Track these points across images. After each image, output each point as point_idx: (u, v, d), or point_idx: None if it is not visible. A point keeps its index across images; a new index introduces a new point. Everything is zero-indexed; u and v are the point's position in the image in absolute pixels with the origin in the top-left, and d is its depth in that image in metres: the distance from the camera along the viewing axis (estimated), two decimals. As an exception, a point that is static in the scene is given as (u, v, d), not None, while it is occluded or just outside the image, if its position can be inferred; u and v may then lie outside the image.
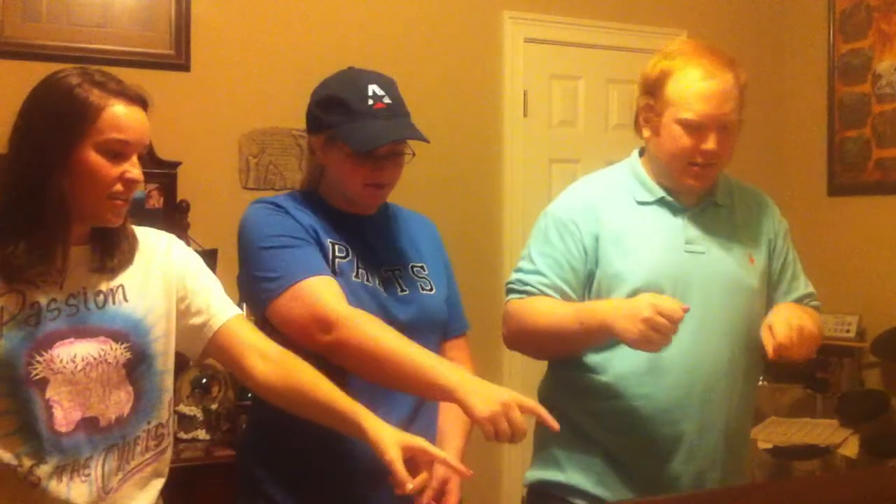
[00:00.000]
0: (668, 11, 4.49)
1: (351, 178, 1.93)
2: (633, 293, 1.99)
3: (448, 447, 1.93)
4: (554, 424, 1.69)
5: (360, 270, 1.92)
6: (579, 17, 4.29)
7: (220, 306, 1.77)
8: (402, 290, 1.97)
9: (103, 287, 1.65)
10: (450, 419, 2.00)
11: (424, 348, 1.77)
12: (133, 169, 1.60)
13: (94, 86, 1.57)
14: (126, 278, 1.68)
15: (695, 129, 2.00)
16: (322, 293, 1.80)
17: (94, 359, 1.61)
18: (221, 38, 3.64)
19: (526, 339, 2.11)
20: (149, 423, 1.69)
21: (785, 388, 4.00)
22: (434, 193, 4.11)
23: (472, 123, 4.11)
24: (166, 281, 1.73)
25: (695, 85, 2.00)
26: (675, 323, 1.80)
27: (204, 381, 3.25)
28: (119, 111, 1.58)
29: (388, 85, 1.94)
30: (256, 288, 1.86)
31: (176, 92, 3.49)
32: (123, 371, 1.65)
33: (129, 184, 1.61)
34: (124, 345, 1.64)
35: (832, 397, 4.06)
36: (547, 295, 2.06)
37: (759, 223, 2.17)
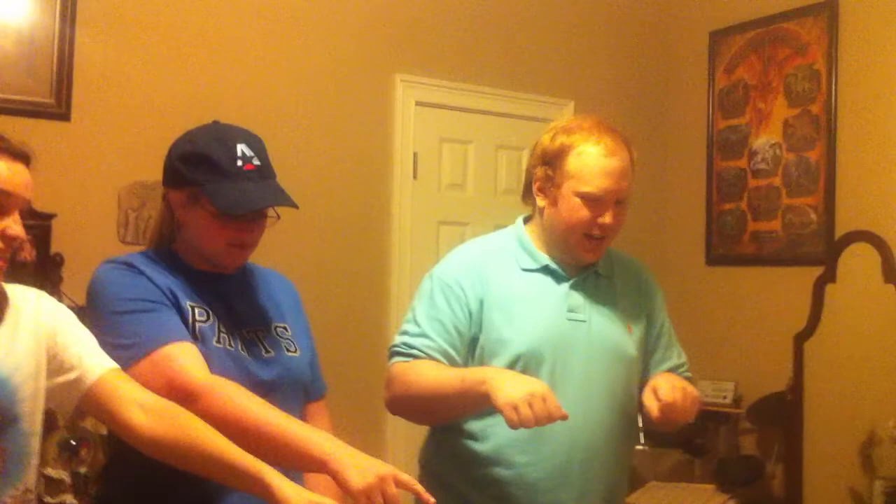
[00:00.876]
0: (557, 82, 4.60)
1: (213, 238, 1.87)
2: (516, 359, 2.02)
3: None
4: (429, 500, 1.65)
5: (221, 334, 1.85)
6: (470, 84, 4.36)
7: (92, 361, 1.69)
8: (267, 352, 1.90)
9: None
10: (319, 492, 1.93)
11: (292, 417, 1.70)
12: (14, 225, 1.57)
13: None
14: None
15: (594, 202, 2.05)
16: (182, 361, 1.72)
17: None
18: (104, 88, 3.54)
19: (409, 402, 2.08)
20: (15, 488, 1.60)
21: (664, 452, 4.06)
22: (322, 252, 4.08)
23: (362, 183, 4.10)
24: (35, 339, 1.65)
25: (596, 161, 2.05)
26: (549, 415, 1.79)
27: (73, 442, 3.10)
28: (0, 167, 1.55)
29: (256, 145, 1.89)
30: (111, 355, 1.74)
31: (55, 141, 3.37)
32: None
33: (10, 241, 1.57)
34: None
35: (710, 462, 4.13)
36: (429, 356, 2.05)
37: (637, 293, 2.22)
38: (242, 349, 1.87)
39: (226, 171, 1.82)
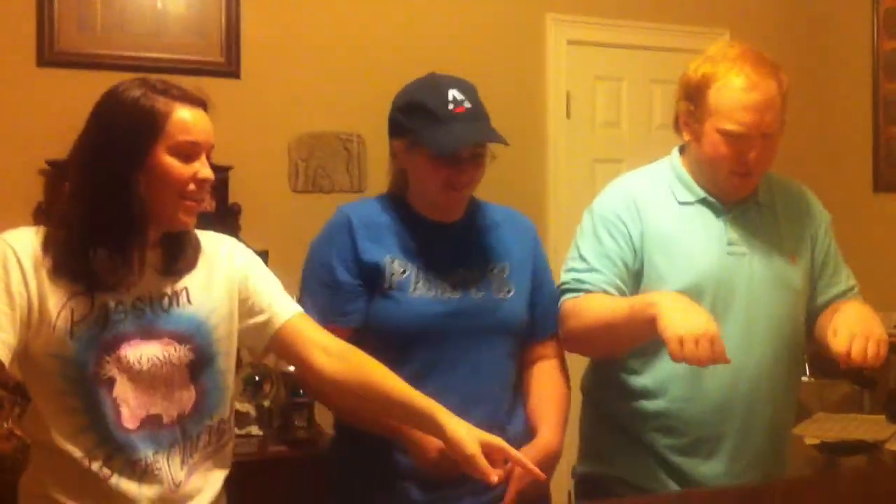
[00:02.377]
0: (711, 11, 4.49)
1: (431, 181, 1.97)
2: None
3: (537, 440, 1.97)
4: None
5: (420, 283, 1.96)
6: (622, 19, 4.31)
7: (281, 305, 1.82)
8: (477, 293, 2.00)
9: (168, 290, 1.70)
10: (543, 404, 2.03)
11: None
12: (203, 168, 1.67)
13: (157, 94, 1.64)
14: (190, 281, 1.73)
15: (736, 139, 1.97)
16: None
17: (160, 360, 1.67)
18: (270, 45, 3.72)
19: (582, 335, 2.05)
20: (211, 419, 1.74)
21: (831, 384, 3.98)
22: (478, 195, 4.16)
23: (516, 125, 4.12)
24: (229, 283, 1.77)
25: (737, 96, 1.96)
26: (713, 359, 1.75)
27: (256, 378, 3.32)
28: (184, 115, 1.65)
29: (467, 90, 1.98)
30: None
31: (226, 99, 3.49)
32: (187, 371, 1.70)
33: (201, 183, 1.67)
34: (188, 346, 1.69)
35: (880, 393, 4.03)
36: (601, 289, 2.02)
37: (800, 219, 2.14)
38: (446, 293, 1.97)
39: (438, 114, 1.93)
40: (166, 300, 1.70)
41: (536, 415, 2.03)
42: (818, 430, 3.63)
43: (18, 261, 1.59)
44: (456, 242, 2.03)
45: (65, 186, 1.70)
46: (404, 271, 1.97)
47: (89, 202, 1.63)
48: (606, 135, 4.36)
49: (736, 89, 1.96)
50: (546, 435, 1.98)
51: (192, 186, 1.65)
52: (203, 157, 1.68)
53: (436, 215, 2.03)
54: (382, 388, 1.75)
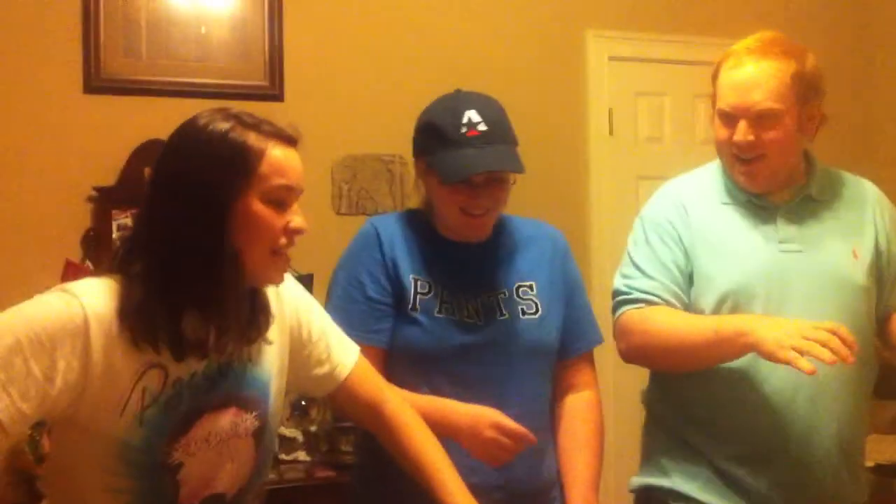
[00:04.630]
0: (754, 23, 4.39)
1: (446, 206, 1.91)
2: (724, 296, 1.94)
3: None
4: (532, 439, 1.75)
5: (444, 304, 1.90)
6: (663, 33, 4.29)
7: (341, 351, 1.68)
8: (502, 315, 1.93)
9: (235, 353, 1.48)
10: (575, 460, 1.97)
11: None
12: (297, 218, 1.44)
13: (248, 128, 1.41)
14: None
15: (728, 119, 1.94)
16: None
17: (227, 433, 1.47)
18: (313, 68, 3.76)
19: (650, 352, 2.00)
20: (262, 482, 1.61)
21: (883, 404, 3.90)
22: (521, 213, 4.14)
23: (559, 143, 4.13)
24: (281, 333, 1.58)
25: (729, 74, 1.94)
26: (838, 343, 1.67)
27: (303, 403, 3.33)
28: (279, 154, 1.42)
29: (488, 109, 1.89)
30: None
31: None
32: (252, 440, 1.51)
33: (293, 235, 1.44)
34: (254, 413, 1.51)
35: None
36: (661, 298, 1.97)
37: (862, 214, 2.05)
38: (471, 316, 1.90)
39: (450, 138, 1.86)
40: (234, 364, 1.48)
41: (568, 471, 1.96)
42: (872, 451, 3.56)
43: (87, 329, 1.33)
44: (480, 264, 1.97)
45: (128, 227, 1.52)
46: (428, 291, 1.91)
47: (167, 257, 1.38)
48: (649, 151, 4.33)
49: (729, 69, 1.95)
50: (578, 501, 1.91)
51: (283, 240, 1.43)
52: (296, 206, 1.45)
53: (459, 236, 1.97)
54: (420, 462, 1.66)
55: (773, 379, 1.90)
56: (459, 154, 1.85)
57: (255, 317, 1.50)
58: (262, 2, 3.68)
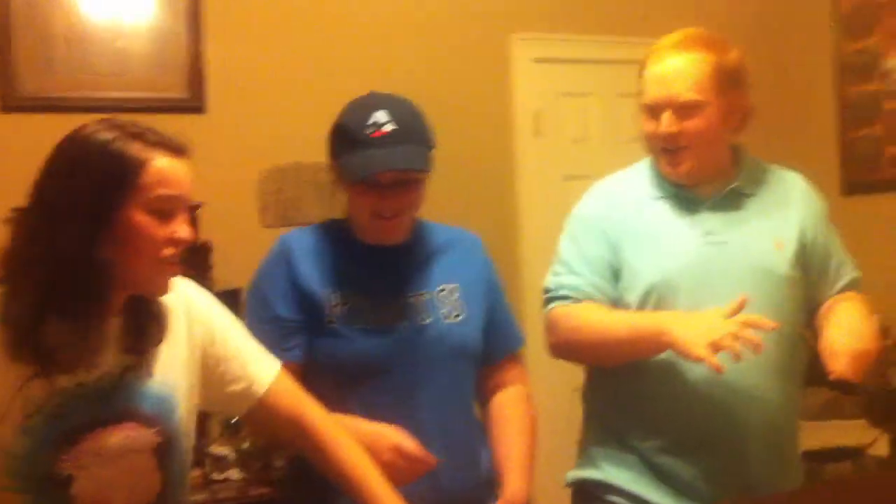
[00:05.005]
0: (674, 22, 4.47)
1: (358, 208, 1.91)
2: (650, 289, 1.98)
3: (505, 494, 1.92)
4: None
5: (363, 314, 1.88)
6: (586, 34, 4.32)
7: (256, 368, 1.65)
8: (424, 319, 1.92)
9: (130, 362, 1.48)
10: (507, 447, 1.97)
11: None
12: (183, 227, 1.45)
13: (131, 138, 1.41)
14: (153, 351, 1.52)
15: (652, 112, 1.99)
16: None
17: (122, 448, 1.45)
18: (235, 78, 3.70)
19: (576, 348, 2.04)
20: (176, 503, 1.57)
21: (811, 391, 3.98)
22: (447, 216, 4.12)
23: (485, 144, 4.16)
24: (191, 349, 1.57)
25: (651, 68, 2.00)
26: (753, 340, 1.73)
27: (234, 420, 3.27)
28: (163, 164, 1.42)
29: (398, 109, 1.88)
30: None
31: (193, 134, 3.48)
32: (153, 457, 1.49)
33: (180, 244, 1.45)
34: (154, 429, 1.49)
35: (860, 398, 4.03)
36: (586, 294, 2.01)
37: (788, 206, 2.08)
38: (392, 322, 1.89)
39: (357, 138, 1.85)
40: (129, 374, 1.47)
41: (502, 460, 1.96)
42: (802, 437, 3.63)
43: None
44: (400, 267, 1.96)
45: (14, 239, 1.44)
46: (346, 302, 1.89)
47: (44, 266, 1.38)
48: (576, 151, 4.36)
49: (652, 63, 2.00)
50: (512, 486, 1.92)
51: (168, 250, 1.43)
52: (183, 215, 1.45)
53: (375, 240, 1.95)
54: (350, 476, 1.65)
55: (697, 369, 1.91)
56: (364, 154, 1.84)
57: (143, 327, 1.49)
58: (180, 13, 3.62)
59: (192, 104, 3.63)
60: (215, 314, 1.65)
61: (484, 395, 2.05)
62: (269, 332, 1.85)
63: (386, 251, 1.96)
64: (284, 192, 3.75)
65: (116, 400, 1.45)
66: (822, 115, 4.62)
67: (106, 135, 1.41)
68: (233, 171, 3.66)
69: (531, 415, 2.05)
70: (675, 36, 2.04)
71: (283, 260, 1.92)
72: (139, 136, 1.43)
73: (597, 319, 1.98)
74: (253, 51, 3.75)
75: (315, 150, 3.86)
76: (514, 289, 4.07)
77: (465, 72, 4.12)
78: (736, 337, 1.73)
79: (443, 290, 1.96)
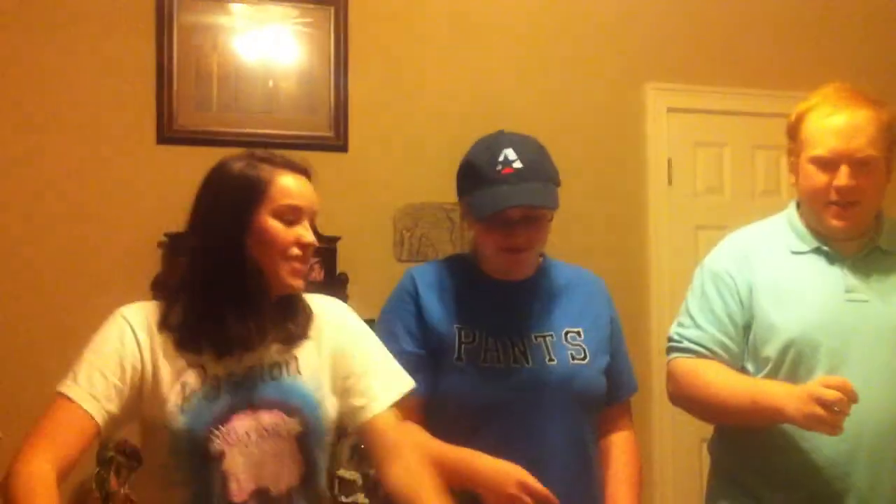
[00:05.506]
0: (811, 75, 4.40)
1: (485, 244, 1.93)
2: (788, 344, 1.96)
3: None
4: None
5: (489, 353, 1.89)
6: (721, 86, 4.30)
7: (378, 393, 1.77)
8: (551, 360, 1.92)
9: (279, 358, 1.71)
10: (619, 489, 1.98)
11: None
12: (306, 233, 1.69)
13: (260, 162, 1.70)
14: (300, 350, 1.73)
15: (826, 165, 1.97)
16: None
17: (268, 432, 1.66)
18: (376, 119, 3.84)
19: (694, 404, 2.07)
20: (317, 493, 1.74)
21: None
22: (580, 262, 4.15)
23: (617, 193, 4.16)
24: (334, 356, 1.77)
25: (824, 121, 1.99)
26: (846, 397, 1.74)
27: (362, 445, 3.34)
28: (287, 180, 1.69)
29: (525, 147, 1.90)
30: None
31: (335, 171, 3.69)
32: (296, 443, 1.68)
33: (304, 247, 1.69)
34: (296, 418, 1.68)
35: None
36: (707, 348, 2.03)
37: None
38: (518, 362, 1.90)
39: (485, 176, 1.88)
40: (277, 369, 1.70)
41: (611, 496, 1.97)
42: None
43: (134, 333, 1.63)
44: (525, 303, 1.96)
45: (180, 260, 1.75)
46: (472, 339, 1.90)
47: (205, 269, 1.67)
48: (708, 201, 4.32)
49: (823, 116, 1.99)
50: None
51: (295, 250, 1.68)
52: (305, 223, 1.70)
53: (502, 276, 1.97)
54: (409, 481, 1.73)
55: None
56: (493, 191, 1.86)
57: (288, 324, 1.73)
58: (328, 56, 3.78)
59: (336, 143, 3.77)
60: (353, 328, 1.84)
61: (597, 433, 2.05)
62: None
63: (511, 286, 1.97)
64: (419, 229, 3.85)
65: (265, 389, 1.68)
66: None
67: (241, 162, 1.70)
68: (371, 207, 3.79)
69: (639, 457, 2.06)
70: (839, 90, 2.03)
71: (409, 294, 1.95)
72: (266, 159, 1.71)
73: (719, 382, 1.99)
74: (392, 93, 3.89)
75: (447, 190, 3.98)
76: (642, 336, 4.08)
77: (600, 120, 4.15)
78: (818, 399, 1.75)
79: (569, 333, 1.97)
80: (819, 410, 1.74)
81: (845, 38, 4.50)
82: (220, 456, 1.62)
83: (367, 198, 3.79)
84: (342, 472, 3.26)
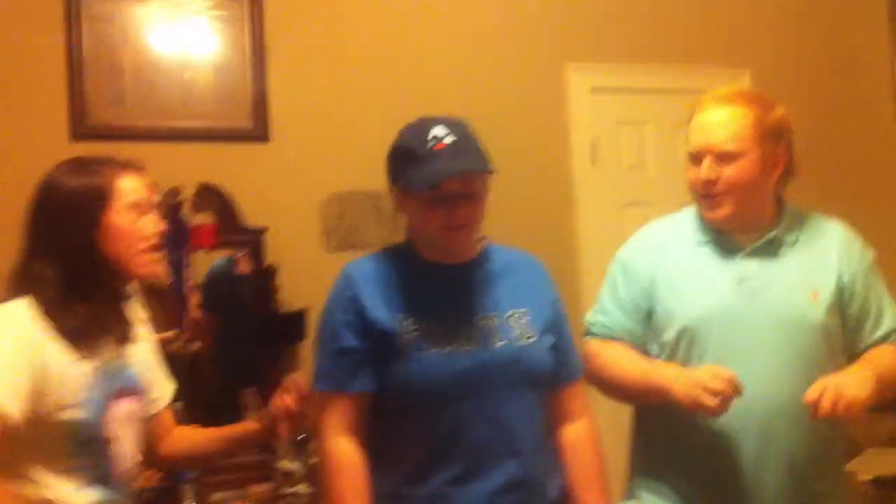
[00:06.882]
0: (733, 51, 4.51)
1: (427, 223, 1.93)
2: (681, 331, 2.07)
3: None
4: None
5: (435, 338, 1.89)
6: (643, 63, 4.35)
7: (163, 387, 2.05)
8: (498, 342, 1.93)
9: (124, 348, 1.88)
10: (585, 476, 2.02)
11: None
12: (152, 224, 1.86)
13: (93, 166, 1.84)
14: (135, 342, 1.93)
15: (694, 160, 2.09)
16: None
17: (131, 415, 1.86)
18: (296, 108, 3.78)
19: (601, 383, 2.19)
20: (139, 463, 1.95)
21: (882, 418, 3.92)
22: (507, 243, 4.16)
23: (542, 173, 4.18)
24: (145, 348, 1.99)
25: (696, 119, 2.10)
26: (731, 391, 1.85)
27: (299, 437, 3.31)
28: (125, 181, 1.83)
29: (453, 125, 1.93)
30: None
31: (257, 162, 3.63)
32: (142, 424, 1.92)
33: (153, 237, 1.85)
34: (143, 401, 1.91)
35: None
36: (614, 334, 2.16)
37: (829, 256, 2.13)
38: (465, 346, 1.90)
39: (419, 154, 1.89)
40: (126, 358, 1.88)
41: (581, 486, 2.01)
42: (871, 465, 3.58)
43: (24, 330, 1.71)
44: (467, 286, 1.97)
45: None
46: (417, 327, 1.90)
47: (56, 265, 1.78)
48: (633, 179, 4.36)
49: (697, 114, 2.11)
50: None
51: (145, 242, 1.84)
52: (150, 214, 1.86)
53: (444, 258, 1.98)
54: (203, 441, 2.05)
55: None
56: (429, 166, 1.88)
57: (130, 320, 1.90)
58: (244, 46, 3.71)
59: (256, 133, 3.70)
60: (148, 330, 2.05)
61: (552, 420, 2.05)
62: (340, 363, 1.92)
63: (452, 270, 1.98)
64: (346, 218, 3.81)
65: (124, 375, 1.85)
66: (885, 146, 4.57)
67: (69, 176, 1.84)
68: (296, 198, 3.74)
69: (600, 445, 2.08)
70: (721, 90, 2.13)
71: (347, 290, 1.94)
72: (97, 162, 1.85)
73: (620, 363, 2.14)
74: (313, 81, 3.84)
75: (373, 178, 3.95)
76: (572, 315, 4.08)
77: (523, 100, 4.16)
78: (718, 393, 1.86)
79: (514, 314, 1.97)
80: (703, 396, 1.86)
81: (765, 12, 4.57)
82: (110, 440, 1.80)
83: (292, 188, 3.73)
84: (283, 464, 3.23)
